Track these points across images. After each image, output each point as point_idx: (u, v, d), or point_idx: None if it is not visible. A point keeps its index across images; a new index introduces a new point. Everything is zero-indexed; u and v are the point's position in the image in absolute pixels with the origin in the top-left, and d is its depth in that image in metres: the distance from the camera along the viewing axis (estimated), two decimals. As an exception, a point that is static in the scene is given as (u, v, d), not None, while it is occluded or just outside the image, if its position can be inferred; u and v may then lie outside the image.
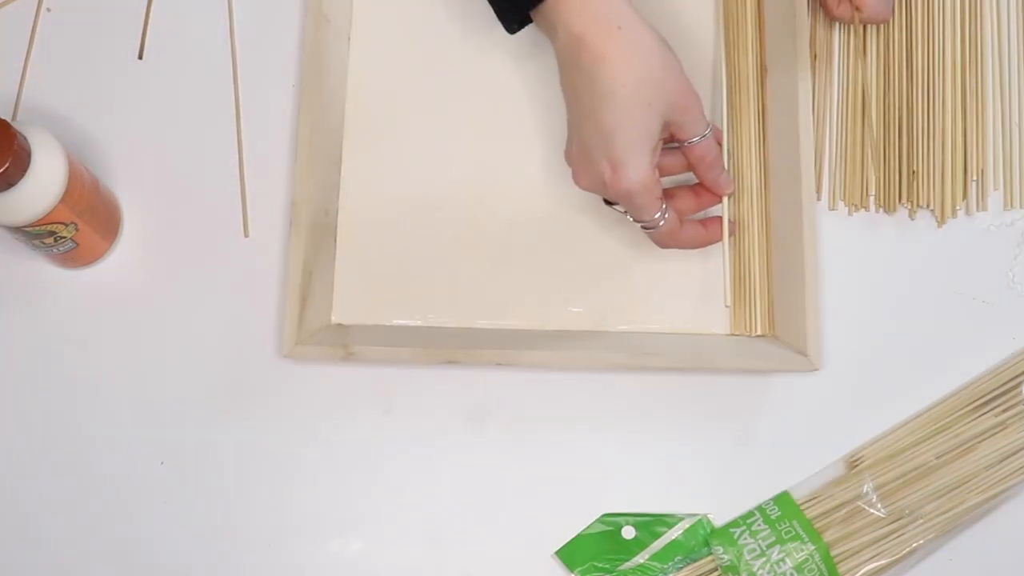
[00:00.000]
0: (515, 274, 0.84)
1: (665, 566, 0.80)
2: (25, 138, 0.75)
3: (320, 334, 0.81)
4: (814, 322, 0.79)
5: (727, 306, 0.83)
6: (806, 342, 0.79)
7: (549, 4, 0.75)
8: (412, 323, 0.83)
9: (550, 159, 0.85)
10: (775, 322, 0.83)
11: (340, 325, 0.83)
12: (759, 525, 0.79)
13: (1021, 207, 0.86)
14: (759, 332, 0.83)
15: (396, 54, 0.87)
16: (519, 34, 0.81)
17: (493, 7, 0.80)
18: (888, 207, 0.85)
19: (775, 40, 0.85)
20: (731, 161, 0.85)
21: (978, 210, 0.86)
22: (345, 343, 0.80)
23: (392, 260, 0.84)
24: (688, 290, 0.84)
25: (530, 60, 0.87)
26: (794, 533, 0.79)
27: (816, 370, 0.78)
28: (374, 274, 0.84)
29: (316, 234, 0.82)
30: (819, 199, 0.85)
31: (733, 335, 0.83)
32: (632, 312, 0.83)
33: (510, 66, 0.87)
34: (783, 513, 0.79)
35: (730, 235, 0.82)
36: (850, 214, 0.85)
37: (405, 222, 0.85)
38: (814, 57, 0.86)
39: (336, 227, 0.85)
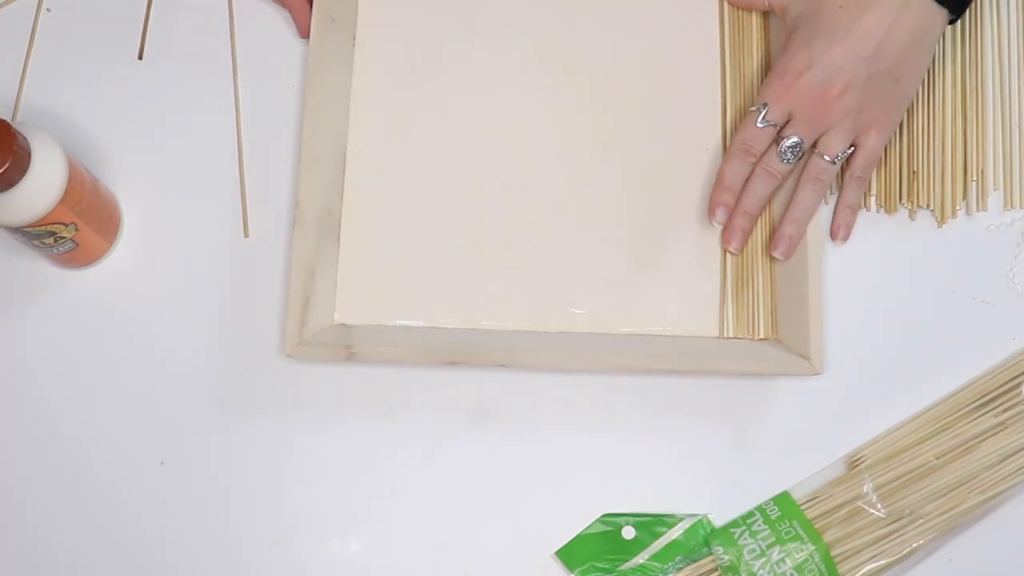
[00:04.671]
0: (517, 275, 0.84)
1: (665, 566, 0.80)
2: (25, 138, 0.75)
3: (322, 334, 0.81)
4: (817, 326, 0.79)
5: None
6: (809, 346, 0.79)
7: None
8: (414, 324, 0.83)
9: (555, 160, 0.85)
10: (778, 325, 0.83)
11: (343, 325, 0.83)
12: (759, 525, 0.79)
13: (1021, 207, 0.86)
14: (762, 335, 0.83)
15: (401, 54, 0.87)
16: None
17: None
18: (888, 207, 0.85)
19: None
20: None
21: (978, 210, 0.86)
22: (347, 343, 0.80)
23: (395, 261, 0.84)
24: (691, 293, 0.84)
25: (537, 63, 0.87)
26: (794, 533, 0.79)
27: (818, 373, 0.79)
28: (377, 274, 0.84)
29: (319, 234, 0.82)
30: (825, 202, 0.85)
31: (736, 338, 0.83)
32: (634, 315, 0.83)
33: (515, 67, 0.87)
34: (783, 513, 0.79)
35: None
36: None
37: (408, 223, 0.85)
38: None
39: (339, 227, 0.85)
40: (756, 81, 0.86)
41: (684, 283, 0.84)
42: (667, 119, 0.86)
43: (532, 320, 0.83)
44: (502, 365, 0.80)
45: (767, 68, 0.86)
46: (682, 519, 0.81)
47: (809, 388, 0.83)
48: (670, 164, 0.85)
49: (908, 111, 0.85)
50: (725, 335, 0.83)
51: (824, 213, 0.85)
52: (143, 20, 0.89)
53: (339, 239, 0.84)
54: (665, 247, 0.84)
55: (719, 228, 0.83)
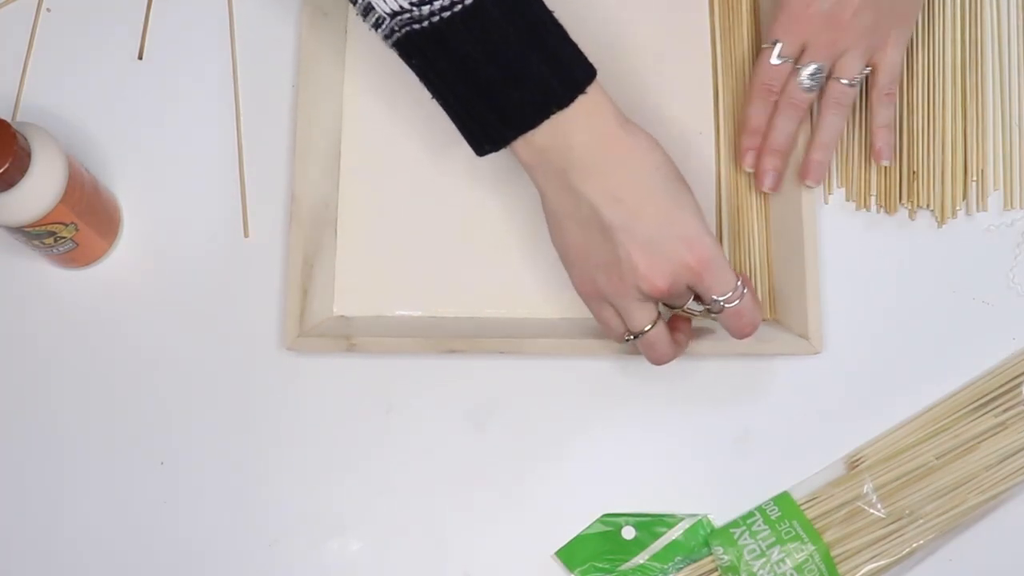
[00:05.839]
0: (515, 262, 0.84)
1: (665, 566, 0.80)
2: (25, 138, 0.75)
3: (322, 325, 0.81)
4: (815, 306, 0.79)
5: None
6: (807, 325, 0.79)
7: (564, 116, 0.70)
8: (414, 313, 0.84)
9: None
10: (776, 306, 0.83)
11: (342, 317, 0.83)
12: (759, 525, 0.79)
13: (1021, 207, 0.86)
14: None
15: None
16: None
17: (462, 130, 0.73)
18: (888, 207, 0.85)
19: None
20: (729, 147, 0.85)
21: (978, 210, 0.86)
22: (347, 334, 0.80)
23: (393, 251, 0.85)
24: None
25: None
26: (794, 533, 0.79)
27: (817, 352, 0.79)
28: (375, 265, 0.84)
29: (317, 227, 0.82)
30: (826, 202, 0.86)
31: None
32: None
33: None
34: (783, 513, 0.79)
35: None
36: (846, 200, 0.85)
37: (406, 213, 0.85)
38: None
39: (336, 219, 0.85)
40: (747, 62, 0.86)
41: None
42: (660, 103, 0.86)
43: (531, 307, 0.84)
44: (502, 352, 0.80)
45: (758, 50, 0.86)
46: (682, 519, 0.81)
47: (809, 387, 0.83)
48: (664, 148, 0.85)
49: (908, 111, 0.85)
50: None
51: (825, 216, 0.85)
52: (143, 20, 0.89)
53: (336, 231, 0.85)
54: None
55: (713, 211, 0.84)
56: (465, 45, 0.69)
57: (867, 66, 0.80)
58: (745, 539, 0.79)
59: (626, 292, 0.73)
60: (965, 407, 0.82)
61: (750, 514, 0.80)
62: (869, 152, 0.84)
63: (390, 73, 0.87)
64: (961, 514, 0.79)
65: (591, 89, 0.70)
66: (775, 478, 0.81)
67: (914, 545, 0.78)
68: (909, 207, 0.85)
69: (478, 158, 0.81)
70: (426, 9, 0.68)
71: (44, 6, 0.89)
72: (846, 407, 0.83)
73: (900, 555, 0.78)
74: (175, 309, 0.84)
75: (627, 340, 0.75)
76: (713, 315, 0.74)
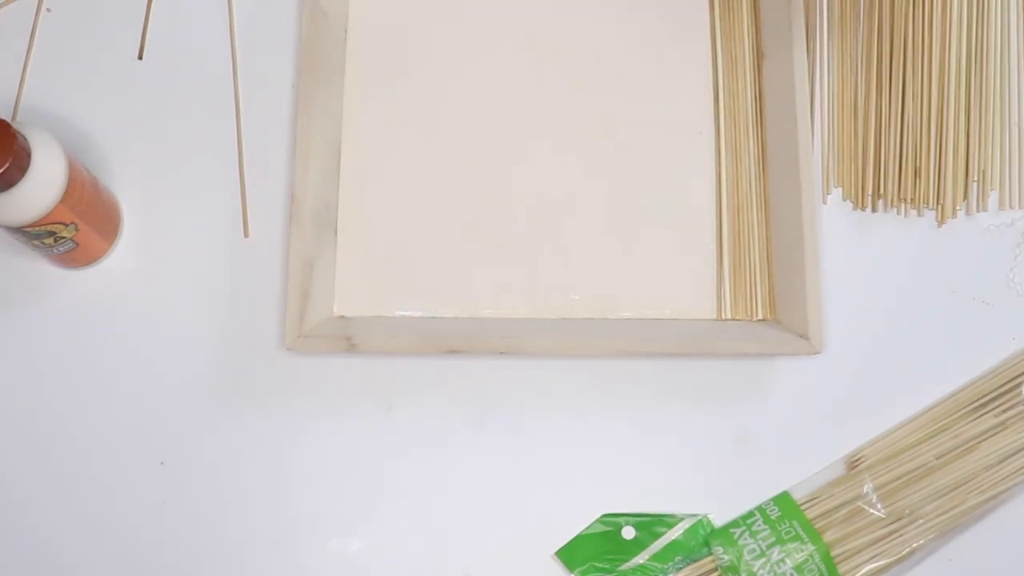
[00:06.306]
0: (516, 263, 0.84)
1: (665, 566, 0.80)
2: (25, 138, 0.75)
3: (322, 326, 0.81)
4: (814, 305, 0.79)
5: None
6: (807, 325, 0.79)
7: None
8: (414, 314, 0.84)
9: (549, 147, 0.86)
10: (776, 306, 0.83)
11: (342, 317, 0.83)
12: (759, 525, 0.79)
13: (1021, 207, 0.86)
14: (760, 316, 0.83)
15: (393, 47, 0.88)
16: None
17: None
18: (888, 207, 0.85)
19: (771, 24, 0.85)
20: (729, 147, 0.85)
21: (978, 210, 0.86)
22: (347, 335, 0.80)
23: (393, 252, 0.85)
24: (688, 276, 0.84)
25: (529, 50, 0.87)
26: (794, 533, 0.79)
27: (817, 352, 0.79)
28: (375, 266, 0.84)
29: (317, 227, 0.82)
30: (824, 201, 0.86)
31: (734, 320, 0.83)
32: (633, 299, 0.84)
33: (507, 55, 0.87)
34: (783, 513, 0.79)
35: None
36: (843, 200, 0.85)
37: (405, 213, 0.85)
38: (812, 58, 0.87)
39: (336, 220, 0.85)
40: (747, 63, 0.86)
41: (681, 266, 0.84)
42: (660, 103, 0.87)
43: (531, 307, 0.84)
44: (502, 353, 0.80)
45: (758, 50, 0.86)
46: (682, 519, 0.81)
47: (808, 387, 0.83)
48: (665, 148, 0.86)
49: (910, 109, 0.85)
50: (723, 317, 0.83)
51: (825, 216, 0.85)
52: (143, 20, 0.89)
53: (336, 231, 0.85)
54: (662, 231, 0.85)
55: (713, 211, 0.84)
56: None
57: None
58: (745, 539, 0.79)
59: None
60: (965, 407, 0.82)
61: (750, 514, 0.80)
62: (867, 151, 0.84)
63: (390, 73, 0.87)
64: (961, 514, 0.79)
65: None
66: (775, 478, 0.81)
67: (914, 545, 0.78)
68: (908, 206, 0.85)
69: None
70: None
71: (44, 6, 0.89)
72: (846, 407, 0.83)
73: (900, 555, 0.78)
74: (175, 309, 0.84)
75: None
76: None
